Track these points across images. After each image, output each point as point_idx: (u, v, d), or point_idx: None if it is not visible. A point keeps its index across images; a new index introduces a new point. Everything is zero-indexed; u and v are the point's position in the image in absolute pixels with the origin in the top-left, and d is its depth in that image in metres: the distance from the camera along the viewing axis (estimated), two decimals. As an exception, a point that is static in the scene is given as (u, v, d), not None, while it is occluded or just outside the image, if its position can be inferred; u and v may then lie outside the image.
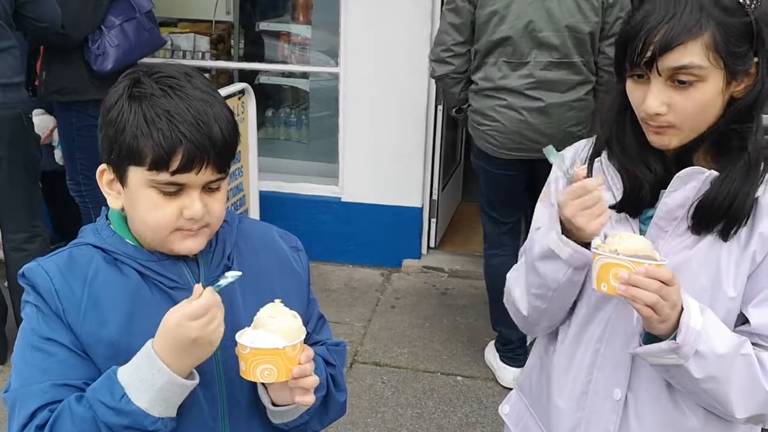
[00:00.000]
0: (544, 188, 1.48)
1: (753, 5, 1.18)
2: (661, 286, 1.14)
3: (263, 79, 4.97)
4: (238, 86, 3.91)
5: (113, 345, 1.14)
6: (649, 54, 1.19)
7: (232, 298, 1.21)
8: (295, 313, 1.16)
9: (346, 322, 3.82)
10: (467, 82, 3.09)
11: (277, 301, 1.16)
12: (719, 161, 1.26)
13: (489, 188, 3.22)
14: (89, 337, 1.14)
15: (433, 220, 4.49)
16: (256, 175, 4.10)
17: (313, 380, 1.16)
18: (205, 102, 1.14)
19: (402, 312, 3.94)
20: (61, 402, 1.10)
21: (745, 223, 1.24)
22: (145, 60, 3.65)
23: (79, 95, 3.51)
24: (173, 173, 1.12)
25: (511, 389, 1.71)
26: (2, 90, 3.04)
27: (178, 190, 1.14)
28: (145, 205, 1.15)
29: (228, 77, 5.01)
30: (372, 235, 4.37)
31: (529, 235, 1.49)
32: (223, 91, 3.55)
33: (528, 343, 3.22)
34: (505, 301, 1.52)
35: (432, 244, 4.54)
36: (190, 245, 1.19)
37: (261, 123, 4.77)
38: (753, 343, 1.24)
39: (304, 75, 4.89)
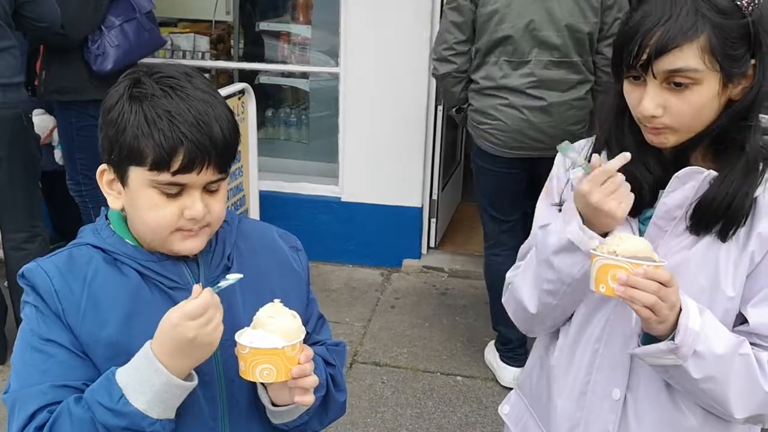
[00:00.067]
0: (546, 185, 1.48)
1: (750, 7, 1.18)
2: (660, 287, 1.14)
3: (263, 79, 4.97)
4: (238, 86, 3.91)
5: (113, 345, 1.14)
6: (644, 56, 1.19)
7: (232, 298, 1.21)
8: (295, 313, 1.16)
9: (346, 322, 3.82)
10: (468, 82, 3.10)
11: (277, 300, 1.16)
12: (717, 161, 1.26)
13: (490, 187, 3.23)
14: (89, 338, 1.14)
15: (433, 220, 4.49)
16: (256, 175, 4.10)
17: (313, 380, 1.16)
18: (205, 102, 1.14)
19: (402, 312, 3.94)
20: (61, 403, 1.10)
21: (744, 223, 1.24)
22: (145, 60, 3.65)
23: (78, 95, 3.51)
24: (174, 173, 1.12)
25: (510, 389, 1.72)
26: (2, 90, 3.04)
27: (179, 190, 1.15)
28: (145, 205, 1.15)
29: (228, 77, 5.01)
30: (372, 235, 4.37)
31: (531, 232, 1.49)
32: (223, 91, 3.56)
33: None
34: (504, 300, 1.51)
35: (432, 244, 4.54)
36: (191, 245, 1.19)
37: (261, 123, 4.77)
38: (752, 343, 1.24)
39: (304, 75, 4.89)
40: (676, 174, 1.25)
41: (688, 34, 1.16)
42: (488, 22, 2.93)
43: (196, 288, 1.09)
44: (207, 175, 1.14)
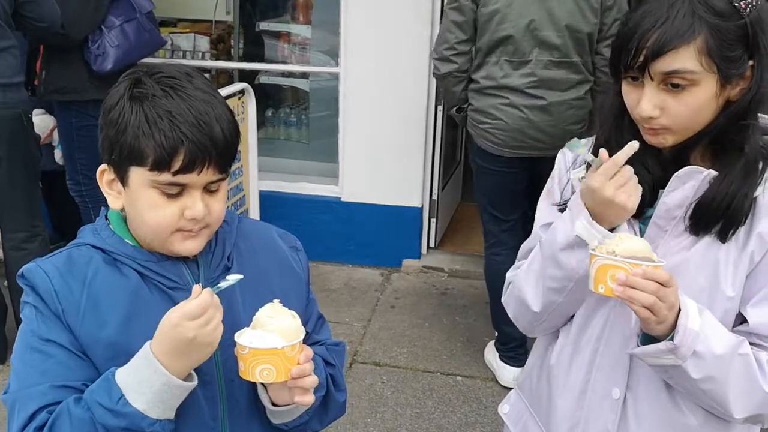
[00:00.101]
0: (547, 185, 1.48)
1: (748, 9, 1.18)
2: (659, 288, 1.14)
3: (263, 79, 4.97)
4: (238, 86, 3.91)
5: (112, 346, 1.14)
6: (641, 58, 1.19)
7: (232, 298, 1.21)
8: (294, 313, 1.16)
9: (346, 322, 3.82)
10: (468, 81, 3.11)
11: (276, 301, 1.16)
12: (717, 161, 1.26)
13: (490, 187, 3.23)
14: (88, 338, 1.14)
15: (433, 220, 4.49)
16: (256, 174, 4.10)
17: (313, 380, 1.16)
18: (206, 102, 1.14)
19: (402, 312, 3.94)
20: (60, 403, 1.10)
21: (744, 223, 1.24)
22: (145, 60, 3.65)
23: (78, 95, 3.51)
24: (175, 174, 1.12)
25: (510, 389, 1.72)
26: (2, 90, 3.04)
27: (179, 190, 1.15)
28: (146, 205, 1.15)
29: (228, 77, 5.01)
30: (372, 235, 4.37)
31: (532, 232, 1.49)
32: (223, 91, 3.56)
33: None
34: (504, 300, 1.51)
35: (432, 244, 4.54)
36: (190, 246, 1.19)
37: (261, 123, 4.77)
38: (751, 343, 1.24)
39: (304, 75, 4.89)
40: (676, 174, 1.25)
41: (684, 36, 1.16)
42: (489, 21, 2.94)
43: (196, 288, 1.09)
44: (207, 175, 1.14)
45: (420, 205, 4.34)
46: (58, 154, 3.88)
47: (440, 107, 4.19)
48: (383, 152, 4.25)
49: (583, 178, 1.33)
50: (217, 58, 4.91)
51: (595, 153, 1.38)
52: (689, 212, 1.26)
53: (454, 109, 3.21)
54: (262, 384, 1.22)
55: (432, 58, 3.18)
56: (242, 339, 1.12)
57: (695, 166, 1.25)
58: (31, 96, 3.51)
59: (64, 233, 3.87)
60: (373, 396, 3.23)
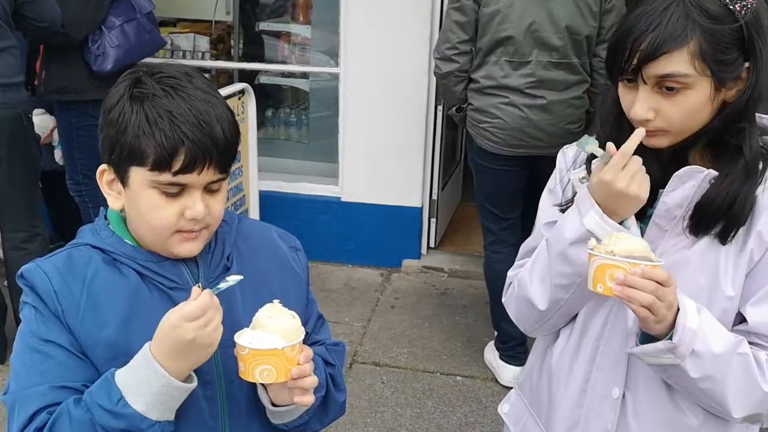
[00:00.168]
0: (548, 183, 1.48)
1: (743, 11, 1.17)
2: (657, 287, 1.14)
3: (263, 79, 4.97)
4: (238, 86, 3.91)
5: (112, 346, 1.14)
6: (635, 62, 1.19)
7: (231, 298, 1.21)
8: (294, 314, 1.16)
9: (346, 322, 3.82)
10: (468, 81, 3.11)
11: (276, 301, 1.16)
12: (717, 162, 1.26)
13: (490, 185, 3.24)
14: (88, 339, 1.14)
15: (433, 220, 4.49)
16: (256, 174, 4.11)
17: (312, 380, 1.16)
18: (206, 102, 1.14)
19: (401, 312, 3.95)
20: (60, 404, 1.10)
21: (744, 223, 1.24)
22: (145, 60, 3.65)
23: (78, 95, 3.51)
24: (175, 174, 1.12)
25: (510, 388, 1.72)
26: (2, 90, 3.04)
27: (179, 190, 1.14)
28: (146, 205, 1.15)
29: (228, 77, 5.01)
30: (372, 235, 4.37)
31: (533, 231, 1.49)
32: (223, 91, 3.56)
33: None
34: (504, 300, 1.51)
35: (432, 244, 4.54)
36: (190, 248, 1.19)
37: (261, 123, 4.77)
38: (750, 342, 1.24)
39: (304, 75, 4.89)
40: (676, 173, 1.25)
41: (677, 40, 1.16)
42: (490, 21, 2.95)
43: (195, 289, 1.09)
44: (208, 175, 1.14)
45: (420, 205, 4.34)
46: (58, 154, 3.88)
47: (440, 107, 4.20)
48: (383, 152, 4.25)
49: (583, 178, 1.33)
50: (217, 58, 4.91)
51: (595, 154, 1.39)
52: (690, 213, 1.26)
53: (454, 108, 3.22)
54: (262, 384, 1.22)
55: (434, 58, 3.19)
56: (242, 339, 1.12)
57: (695, 166, 1.25)
58: (31, 96, 3.51)
59: (64, 233, 3.86)
60: (373, 396, 3.23)
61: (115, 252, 1.19)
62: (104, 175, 1.20)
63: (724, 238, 1.25)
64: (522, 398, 1.59)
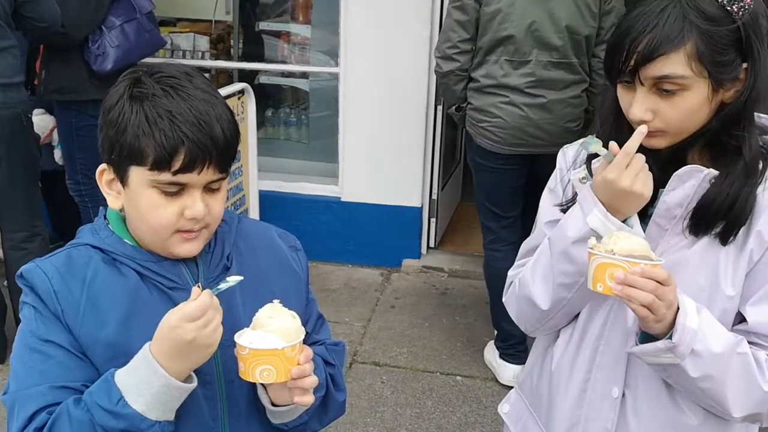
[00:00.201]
0: (549, 183, 1.48)
1: (741, 12, 1.17)
2: (657, 286, 1.14)
3: (263, 79, 4.97)
4: (238, 86, 3.91)
5: (112, 346, 1.14)
6: (632, 63, 1.19)
7: (231, 298, 1.21)
8: (294, 314, 1.16)
9: (346, 321, 3.82)
10: (468, 80, 3.12)
11: (276, 301, 1.16)
12: (716, 162, 1.26)
13: (490, 184, 3.24)
14: (88, 339, 1.14)
15: (433, 220, 4.49)
16: (255, 174, 4.11)
17: (312, 380, 1.16)
18: (206, 102, 1.14)
19: (401, 312, 3.95)
20: (60, 404, 1.10)
21: (745, 223, 1.24)
22: (145, 60, 3.65)
23: (78, 95, 3.51)
24: (175, 173, 1.12)
25: (510, 388, 1.72)
26: (2, 90, 3.04)
27: (179, 190, 1.14)
28: (146, 205, 1.15)
29: (228, 77, 5.01)
30: (372, 234, 4.37)
31: (534, 230, 1.49)
32: (223, 91, 3.56)
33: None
34: (505, 300, 1.51)
35: (432, 244, 4.54)
36: (189, 248, 1.19)
37: (261, 123, 4.77)
38: (750, 342, 1.24)
39: (304, 75, 4.89)
40: (676, 172, 1.25)
41: (674, 42, 1.16)
42: (491, 21, 2.96)
43: (195, 290, 1.09)
44: (208, 174, 1.14)
45: (420, 205, 4.34)
46: (58, 154, 3.88)
47: (440, 107, 4.20)
48: (383, 152, 4.25)
49: (583, 178, 1.33)
50: (216, 57, 4.91)
51: (595, 154, 1.38)
52: (690, 213, 1.26)
53: (453, 108, 3.23)
54: (262, 384, 1.22)
55: (435, 56, 3.20)
56: (242, 340, 1.12)
57: (696, 165, 1.25)
58: (31, 96, 3.51)
59: (64, 233, 3.86)
60: (373, 396, 3.23)
61: (114, 252, 1.19)
62: (104, 175, 1.20)
63: (724, 239, 1.25)
64: (522, 398, 1.59)
